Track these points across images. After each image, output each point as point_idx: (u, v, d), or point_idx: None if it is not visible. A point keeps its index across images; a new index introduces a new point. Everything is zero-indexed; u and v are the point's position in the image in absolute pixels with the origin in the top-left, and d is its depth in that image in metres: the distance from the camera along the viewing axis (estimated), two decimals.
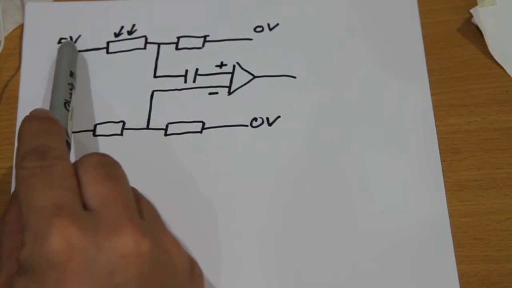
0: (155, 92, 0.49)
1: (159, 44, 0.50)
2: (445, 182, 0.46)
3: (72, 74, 0.47)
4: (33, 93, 0.49)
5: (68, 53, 0.48)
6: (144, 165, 0.46)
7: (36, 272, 0.33)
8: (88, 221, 0.34)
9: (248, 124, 0.48)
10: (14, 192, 0.37)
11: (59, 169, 0.36)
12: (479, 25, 0.50)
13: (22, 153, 0.37)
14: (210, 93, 0.49)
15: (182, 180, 0.46)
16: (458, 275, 0.43)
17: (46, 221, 0.34)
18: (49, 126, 0.39)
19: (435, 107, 0.48)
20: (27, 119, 0.40)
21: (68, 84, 0.46)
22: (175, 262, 0.36)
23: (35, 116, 0.40)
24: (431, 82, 0.49)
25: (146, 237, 0.34)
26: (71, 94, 0.46)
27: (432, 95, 0.48)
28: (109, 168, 0.37)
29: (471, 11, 0.50)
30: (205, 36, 0.51)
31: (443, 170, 0.46)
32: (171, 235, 0.36)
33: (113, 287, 0.33)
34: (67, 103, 0.45)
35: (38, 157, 0.36)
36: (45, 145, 0.37)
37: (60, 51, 0.49)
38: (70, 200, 0.35)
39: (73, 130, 0.48)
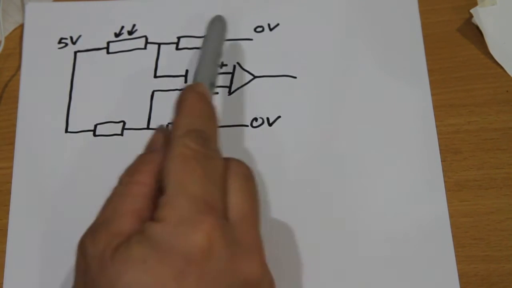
0: (155, 92, 0.49)
1: (159, 44, 0.50)
2: (445, 182, 0.46)
3: (220, 55, 0.44)
4: (33, 93, 0.49)
5: (219, 30, 0.44)
6: None
7: (163, 252, 0.33)
8: (229, 233, 0.34)
9: (248, 124, 0.48)
10: (146, 157, 0.37)
11: (217, 164, 0.36)
12: (479, 25, 0.50)
13: (185, 129, 0.36)
14: None
15: None
16: (458, 275, 0.43)
17: (198, 214, 0.33)
18: (212, 113, 0.39)
19: (435, 107, 0.48)
20: (195, 94, 0.38)
21: (217, 65, 0.43)
22: None
23: (202, 95, 0.39)
24: (431, 82, 0.49)
25: (268, 270, 0.35)
26: (217, 76, 0.43)
27: (432, 95, 0.48)
28: (254, 184, 0.37)
29: (471, 11, 0.50)
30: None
31: (443, 170, 0.46)
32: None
33: None
34: (212, 86, 0.41)
35: (202, 143, 0.36)
36: (208, 132, 0.37)
37: (211, 26, 0.44)
38: (220, 204, 0.35)
39: (73, 130, 0.48)
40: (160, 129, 0.39)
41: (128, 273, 0.33)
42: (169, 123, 0.48)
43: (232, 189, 0.36)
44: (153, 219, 0.34)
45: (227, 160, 0.37)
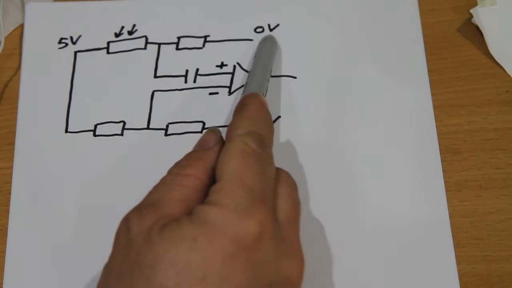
0: (155, 92, 0.49)
1: (159, 44, 0.50)
2: (445, 182, 0.46)
3: (271, 71, 0.48)
4: (33, 93, 0.49)
5: (271, 47, 0.48)
6: (144, 165, 0.46)
7: (215, 233, 0.33)
8: (277, 228, 0.35)
9: None
10: (199, 153, 0.38)
11: (271, 168, 0.38)
12: (479, 25, 0.50)
13: (247, 129, 0.38)
14: (210, 93, 0.49)
15: None
16: (458, 275, 0.43)
17: (253, 203, 0.34)
18: (271, 121, 0.41)
19: (435, 107, 0.48)
20: (258, 102, 0.41)
21: (267, 80, 0.46)
22: None
23: (264, 103, 0.42)
24: (431, 82, 0.49)
25: (303, 275, 0.36)
26: (267, 89, 0.46)
27: (432, 95, 0.48)
28: (297, 193, 0.39)
29: (471, 11, 0.50)
30: (205, 36, 0.51)
31: (443, 170, 0.46)
32: None
33: None
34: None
35: (261, 145, 0.38)
36: (267, 137, 0.39)
37: (264, 44, 0.49)
38: (271, 199, 0.36)
39: (74, 130, 0.48)
40: (212, 129, 0.41)
41: (176, 248, 0.33)
42: (169, 123, 0.48)
43: (280, 194, 0.38)
44: (204, 203, 0.35)
45: (277, 169, 0.39)
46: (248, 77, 0.46)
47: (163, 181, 0.37)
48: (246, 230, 0.34)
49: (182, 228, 0.34)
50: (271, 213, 0.35)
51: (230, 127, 0.39)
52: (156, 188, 0.37)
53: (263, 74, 0.46)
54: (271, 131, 0.40)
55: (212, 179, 0.37)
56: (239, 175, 0.36)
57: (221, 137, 0.40)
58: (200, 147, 0.40)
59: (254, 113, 0.40)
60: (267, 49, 0.48)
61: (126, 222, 0.35)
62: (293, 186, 0.39)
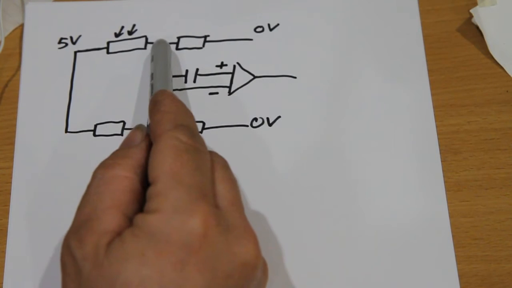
0: None
1: None
2: (445, 182, 0.46)
3: (171, 71, 0.48)
4: (33, 93, 0.49)
5: (165, 49, 0.48)
6: None
7: (160, 243, 0.33)
8: (222, 219, 0.35)
9: (248, 124, 0.48)
10: (125, 151, 0.37)
11: (206, 158, 0.37)
12: (479, 25, 0.50)
13: (173, 123, 0.37)
14: (210, 93, 0.49)
15: None
16: (458, 275, 0.43)
17: (192, 202, 0.34)
18: (190, 111, 0.40)
19: (435, 107, 0.48)
20: (169, 95, 0.40)
21: (171, 79, 0.46)
22: (266, 283, 0.37)
23: (175, 96, 0.41)
24: (431, 82, 0.49)
25: (261, 253, 0.35)
26: (172, 88, 0.46)
27: (432, 95, 0.48)
28: (232, 173, 0.38)
29: (471, 11, 0.50)
30: (205, 36, 0.51)
31: (443, 170, 0.46)
32: None
33: None
34: None
35: (191, 136, 0.37)
36: (193, 127, 0.38)
37: (157, 47, 0.48)
38: (211, 192, 0.36)
39: (74, 130, 0.48)
40: (138, 127, 0.40)
41: (127, 269, 0.33)
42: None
43: (218, 178, 0.37)
44: (144, 211, 0.35)
45: (209, 152, 0.38)
46: (152, 79, 0.45)
47: (90, 188, 0.36)
48: (190, 231, 0.33)
49: (128, 245, 0.33)
50: (212, 206, 0.35)
51: (152, 125, 0.38)
52: (85, 199, 0.36)
53: (166, 74, 0.46)
54: (193, 120, 0.40)
55: (142, 176, 0.37)
56: (175, 175, 0.35)
57: (148, 134, 0.39)
58: (125, 145, 0.39)
59: (172, 106, 0.39)
60: (162, 51, 0.48)
61: (67, 249, 0.35)
62: (225, 166, 0.38)
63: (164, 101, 0.39)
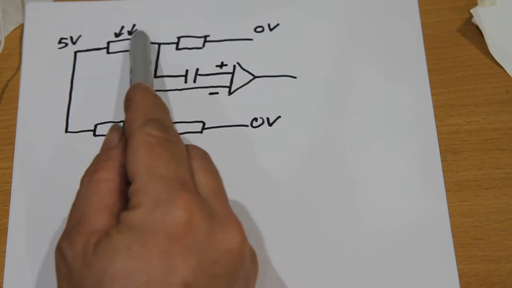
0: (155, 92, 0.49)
1: (159, 44, 0.50)
2: (445, 182, 0.46)
3: (150, 62, 0.48)
4: (33, 93, 0.49)
5: (143, 40, 0.48)
6: None
7: (145, 235, 0.33)
8: (205, 206, 0.35)
9: (248, 124, 0.48)
10: (106, 154, 0.38)
11: (180, 148, 0.37)
12: (479, 25, 0.50)
13: (143, 119, 0.38)
14: (210, 93, 0.49)
15: None
16: (458, 275, 0.43)
17: (172, 192, 0.34)
18: (162, 103, 0.41)
19: (435, 107, 0.48)
20: (142, 89, 0.41)
21: (150, 71, 0.47)
22: (256, 273, 0.38)
23: (148, 89, 0.41)
24: (431, 82, 0.49)
25: (247, 240, 0.36)
26: (152, 80, 0.47)
27: (432, 95, 0.48)
28: (212, 163, 0.38)
29: (471, 11, 0.50)
30: (205, 36, 0.51)
31: (443, 170, 0.46)
32: None
33: (211, 276, 0.34)
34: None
35: (162, 129, 0.37)
36: (165, 120, 0.39)
37: (135, 39, 0.48)
38: (190, 180, 0.36)
39: (74, 130, 0.48)
40: (113, 127, 0.41)
41: (114, 263, 0.33)
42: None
43: (196, 169, 0.37)
44: (127, 209, 0.35)
45: (187, 145, 0.38)
46: (131, 73, 0.46)
47: (79, 195, 0.37)
48: (173, 220, 0.34)
49: (114, 241, 0.34)
50: (194, 194, 0.35)
51: (125, 124, 0.39)
52: (74, 205, 0.37)
53: (145, 67, 0.46)
54: (166, 112, 0.40)
55: (125, 175, 0.37)
56: (151, 169, 0.35)
57: (124, 132, 0.40)
58: (105, 148, 0.40)
59: (143, 102, 0.40)
60: (140, 43, 0.48)
61: (59, 252, 0.36)
62: (205, 157, 0.38)
63: (135, 98, 0.40)
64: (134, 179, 0.35)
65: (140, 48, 0.48)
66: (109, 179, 0.37)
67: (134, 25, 0.51)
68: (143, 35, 0.49)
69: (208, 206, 0.35)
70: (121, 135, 0.40)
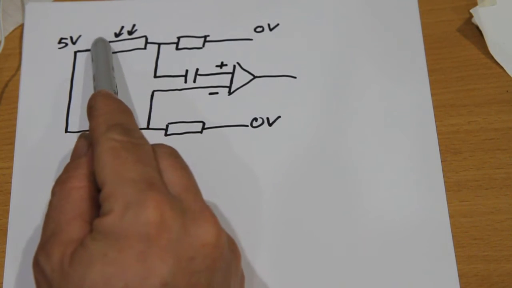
0: (155, 92, 0.49)
1: (159, 44, 0.50)
2: (445, 182, 0.46)
3: (113, 68, 0.48)
4: (33, 93, 0.49)
5: (104, 47, 0.49)
6: None
7: (120, 240, 0.33)
8: (177, 204, 0.35)
9: (248, 124, 0.48)
10: (76, 162, 0.38)
11: (146, 149, 0.37)
12: (479, 25, 0.50)
13: (106, 125, 0.38)
14: (210, 93, 0.49)
15: None
16: (458, 275, 0.43)
17: (141, 194, 0.34)
18: (125, 107, 0.41)
19: (435, 107, 0.48)
20: (103, 96, 0.41)
21: (113, 76, 0.47)
22: (238, 263, 0.37)
23: (109, 95, 0.42)
24: (431, 82, 0.49)
25: (223, 231, 0.35)
26: (115, 85, 0.47)
27: (432, 95, 0.48)
28: (181, 160, 0.38)
29: (471, 11, 0.50)
30: (205, 36, 0.51)
31: (443, 170, 0.46)
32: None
33: (190, 273, 0.34)
34: (114, 93, 0.46)
35: (126, 133, 0.37)
36: (129, 123, 0.39)
37: (95, 46, 0.49)
38: (159, 180, 0.36)
39: (73, 130, 0.48)
40: (81, 135, 0.41)
41: (92, 272, 0.33)
42: (168, 123, 0.48)
43: (165, 168, 0.37)
44: (99, 215, 0.35)
45: (152, 145, 0.38)
46: (94, 81, 0.46)
47: (51, 206, 0.38)
48: (145, 222, 0.34)
49: (89, 249, 0.34)
50: (163, 193, 0.35)
51: (90, 132, 0.39)
52: (48, 216, 0.37)
53: (107, 73, 0.46)
54: (129, 115, 0.40)
55: (95, 183, 0.37)
56: (117, 173, 0.35)
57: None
58: (75, 156, 0.40)
59: (104, 108, 0.40)
60: (102, 50, 0.48)
61: (37, 266, 0.36)
62: (173, 154, 0.38)
63: (96, 105, 0.40)
64: (103, 185, 0.35)
65: (101, 54, 0.48)
66: (80, 186, 0.37)
67: (134, 25, 0.51)
68: (103, 42, 0.49)
69: (180, 203, 0.35)
70: (90, 143, 0.40)
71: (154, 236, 0.34)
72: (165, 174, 0.37)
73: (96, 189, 0.37)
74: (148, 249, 0.33)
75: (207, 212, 0.36)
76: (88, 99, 0.42)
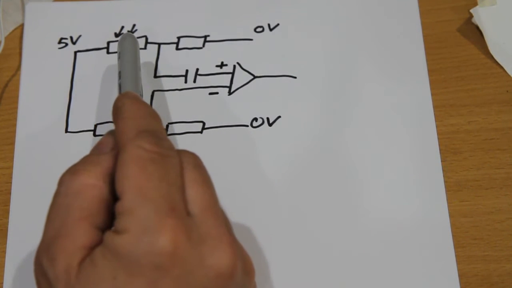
0: (155, 92, 0.49)
1: (159, 44, 0.50)
2: (445, 182, 0.46)
3: (139, 68, 0.45)
4: (33, 93, 0.49)
5: (132, 44, 0.46)
6: None
7: (131, 265, 0.32)
8: (194, 230, 0.33)
9: (248, 124, 0.48)
10: (96, 157, 0.36)
11: (174, 163, 0.35)
12: (479, 25, 0.50)
13: (135, 130, 0.35)
14: (210, 93, 0.49)
15: None
16: (458, 275, 0.43)
17: (161, 219, 0.33)
18: (155, 113, 0.38)
19: (435, 107, 0.48)
20: (131, 99, 0.38)
21: (139, 77, 0.44)
22: (252, 281, 0.36)
23: (138, 98, 0.39)
24: (431, 82, 0.49)
25: (239, 260, 0.34)
26: (141, 88, 0.45)
27: (432, 95, 0.48)
28: (205, 171, 0.36)
29: (471, 11, 0.50)
30: (205, 36, 0.51)
31: (443, 170, 0.46)
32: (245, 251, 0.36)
33: None
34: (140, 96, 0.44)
35: (156, 142, 0.35)
36: (159, 131, 0.36)
37: (123, 43, 0.46)
38: (181, 203, 0.34)
39: (74, 130, 0.48)
40: (111, 132, 0.38)
41: None
42: (169, 123, 0.48)
43: (189, 181, 0.35)
44: (113, 229, 0.34)
45: (179, 152, 0.36)
46: (120, 78, 0.44)
47: (59, 198, 0.35)
48: (160, 252, 0.32)
49: (99, 268, 0.32)
50: (182, 218, 0.33)
51: (116, 134, 0.37)
52: (53, 210, 0.35)
53: (134, 73, 0.44)
54: (159, 122, 0.38)
55: (112, 185, 0.35)
56: (141, 189, 0.33)
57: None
58: (97, 151, 0.38)
59: (134, 111, 0.37)
60: (130, 46, 0.45)
61: (40, 267, 0.34)
62: (197, 165, 0.36)
63: (125, 107, 0.38)
64: (122, 197, 0.34)
65: (129, 51, 0.45)
66: (94, 184, 0.35)
67: (134, 25, 0.51)
68: (132, 38, 0.46)
69: (197, 229, 0.34)
70: (115, 144, 0.37)
71: (168, 267, 0.32)
72: (187, 190, 0.35)
73: (110, 192, 0.35)
74: (160, 280, 0.32)
75: (224, 238, 0.34)
76: (115, 99, 0.39)
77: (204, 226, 0.34)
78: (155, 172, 0.34)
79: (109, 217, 0.35)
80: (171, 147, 0.36)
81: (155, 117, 0.38)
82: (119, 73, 0.44)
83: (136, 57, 0.45)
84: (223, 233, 0.34)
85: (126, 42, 0.45)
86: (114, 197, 0.35)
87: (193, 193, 0.35)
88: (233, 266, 0.34)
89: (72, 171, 0.35)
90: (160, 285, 0.32)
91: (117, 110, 0.38)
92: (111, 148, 0.38)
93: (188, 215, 0.34)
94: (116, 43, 0.50)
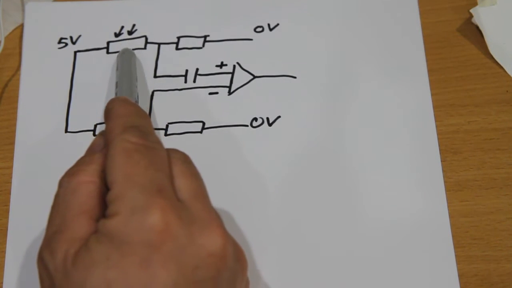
0: (155, 92, 0.49)
1: (159, 44, 0.50)
2: (445, 182, 0.46)
3: (136, 79, 0.48)
4: (33, 93, 0.49)
5: (129, 58, 0.49)
6: None
7: (123, 244, 0.33)
8: (183, 211, 0.35)
9: (248, 124, 0.48)
10: (88, 157, 0.38)
11: (160, 155, 0.37)
12: (479, 25, 0.50)
13: (122, 127, 0.37)
14: (210, 93, 0.49)
15: None
16: (458, 275, 0.43)
17: (148, 199, 0.34)
18: (142, 111, 0.41)
19: (435, 107, 0.48)
20: (120, 101, 0.41)
21: (135, 86, 0.47)
22: (244, 272, 0.37)
23: (127, 100, 0.41)
24: (431, 82, 0.49)
25: (230, 244, 0.35)
26: (137, 95, 0.46)
27: (432, 95, 0.48)
28: (193, 166, 0.38)
29: (471, 11, 0.50)
30: (205, 36, 0.51)
31: (443, 170, 0.46)
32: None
33: (193, 282, 0.34)
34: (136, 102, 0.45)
35: (141, 136, 0.37)
36: (145, 126, 0.38)
37: (122, 56, 0.49)
38: (169, 187, 0.35)
39: (73, 130, 0.48)
40: (102, 133, 0.40)
41: (93, 274, 0.33)
42: (168, 123, 0.48)
43: (176, 174, 0.37)
44: (105, 216, 0.35)
45: (167, 149, 0.38)
46: (116, 88, 0.46)
47: (57, 198, 0.37)
48: (150, 229, 0.33)
49: (93, 251, 0.34)
50: (171, 199, 0.35)
51: (106, 133, 0.39)
52: (54, 209, 0.37)
53: (129, 82, 0.46)
54: (146, 119, 0.40)
55: (105, 180, 0.37)
56: (128, 176, 0.35)
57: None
58: (89, 152, 0.40)
59: (122, 110, 0.39)
60: (127, 60, 0.48)
61: (42, 261, 0.36)
62: (186, 161, 0.38)
63: (114, 108, 0.40)
64: (112, 186, 0.35)
65: (126, 64, 0.48)
66: (89, 181, 0.37)
67: (134, 25, 0.51)
68: (129, 53, 0.49)
69: (187, 211, 0.35)
70: (106, 142, 0.39)
71: (158, 243, 0.33)
72: (176, 180, 0.36)
73: (105, 187, 0.37)
74: (151, 256, 0.33)
75: (214, 221, 0.35)
76: (107, 103, 0.41)
77: (193, 209, 0.35)
78: (141, 160, 0.36)
79: (105, 211, 0.36)
80: (157, 141, 0.38)
81: (142, 115, 0.40)
82: (116, 83, 0.46)
83: (131, 70, 0.47)
84: (213, 217, 0.35)
85: (124, 56, 0.48)
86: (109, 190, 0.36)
87: (182, 183, 0.36)
88: (224, 248, 0.35)
89: (69, 173, 0.37)
90: (152, 262, 0.33)
91: (107, 111, 0.40)
92: (102, 147, 0.39)
93: (178, 201, 0.35)
94: (116, 43, 0.50)
